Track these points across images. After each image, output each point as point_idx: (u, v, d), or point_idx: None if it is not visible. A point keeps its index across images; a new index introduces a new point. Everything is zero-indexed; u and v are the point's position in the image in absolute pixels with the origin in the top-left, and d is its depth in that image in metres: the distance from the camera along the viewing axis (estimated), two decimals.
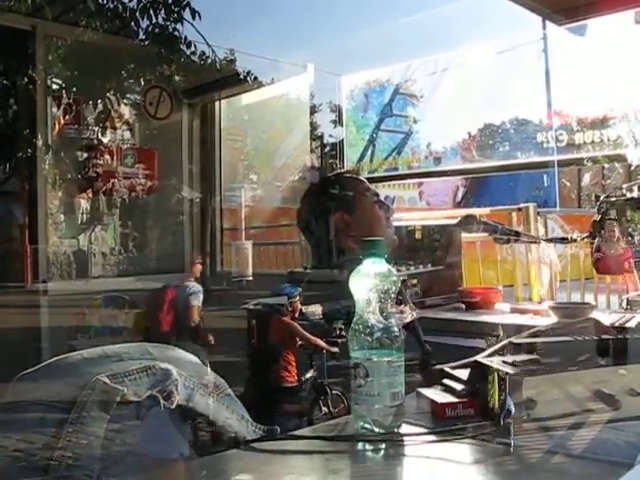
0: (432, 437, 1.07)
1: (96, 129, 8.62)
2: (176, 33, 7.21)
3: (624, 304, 2.27)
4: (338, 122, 11.14)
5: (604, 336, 1.34)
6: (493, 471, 0.99)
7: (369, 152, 10.24)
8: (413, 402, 1.21)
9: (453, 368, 1.29)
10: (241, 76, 8.35)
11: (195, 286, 4.87)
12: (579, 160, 8.72)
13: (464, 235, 3.40)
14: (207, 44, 8.02)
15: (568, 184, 15.12)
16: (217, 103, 8.67)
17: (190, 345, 4.56)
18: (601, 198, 2.78)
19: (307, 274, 2.68)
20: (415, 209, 13.62)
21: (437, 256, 3.56)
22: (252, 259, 8.55)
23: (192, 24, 7.16)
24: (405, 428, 1.09)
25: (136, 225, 9.17)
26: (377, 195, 2.04)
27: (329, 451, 1.03)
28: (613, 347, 1.29)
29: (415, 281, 3.36)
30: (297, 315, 4.30)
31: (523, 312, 3.14)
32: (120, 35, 7.64)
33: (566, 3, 3.55)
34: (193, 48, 7.72)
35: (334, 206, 1.95)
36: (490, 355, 1.26)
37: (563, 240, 3.22)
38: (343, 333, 1.14)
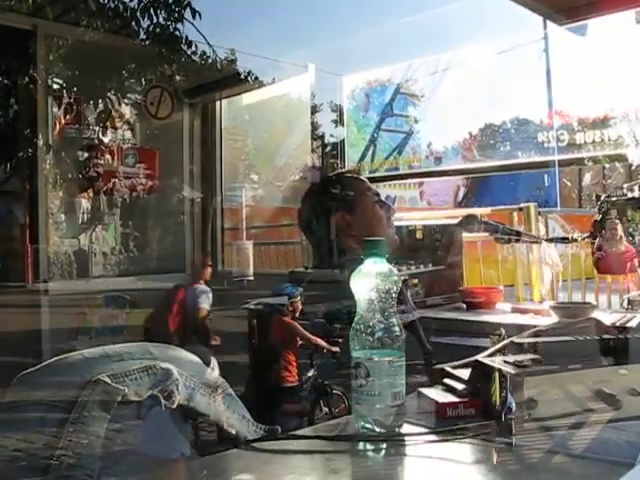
0: (433, 437, 1.07)
1: (97, 129, 8.62)
2: (177, 33, 7.22)
3: (625, 304, 2.27)
4: (339, 122, 11.14)
5: (605, 336, 1.34)
6: (494, 471, 0.99)
7: (370, 152, 10.25)
8: (414, 402, 1.21)
9: (454, 368, 1.29)
10: (242, 76, 8.35)
11: (205, 288, 4.88)
12: (580, 160, 8.71)
13: (465, 235, 3.40)
14: (208, 44, 8.02)
15: (569, 184, 15.11)
16: (218, 103, 8.67)
17: (197, 346, 4.58)
18: (602, 198, 2.79)
19: (308, 274, 2.68)
20: (416, 209, 13.62)
21: (438, 256, 3.56)
22: (253, 259, 8.54)
23: (193, 24, 7.17)
24: (406, 428, 1.09)
25: (137, 225, 9.17)
26: (378, 195, 2.04)
27: (330, 451, 1.03)
28: (614, 347, 1.28)
29: (416, 281, 3.36)
30: (298, 315, 4.30)
31: (524, 312, 3.14)
32: (121, 35, 7.64)
33: (567, 3, 3.55)
34: (194, 48, 7.73)
35: (335, 206, 1.95)
36: (491, 355, 1.26)
37: (564, 240, 3.22)
38: (344, 333, 1.14)
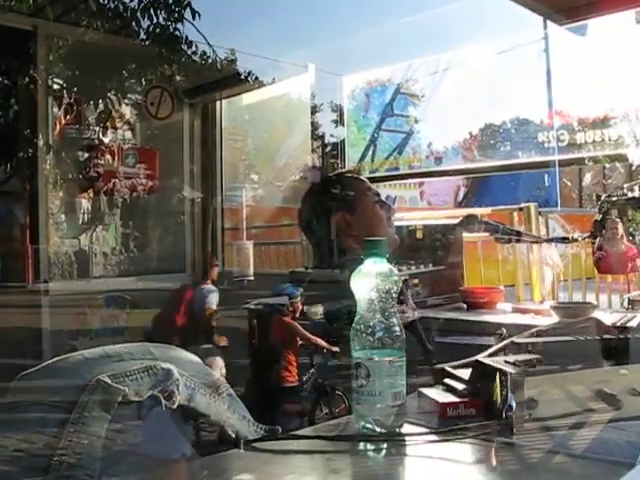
0: (434, 437, 1.07)
1: (97, 129, 8.61)
2: (177, 33, 7.22)
3: (625, 304, 2.27)
4: (339, 122, 11.14)
5: (606, 336, 1.34)
6: (494, 471, 0.99)
7: (370, 152, 10.24)
8: (414, 402, 1.21)
9: (454, 368, 1.29)
10: (242, 76, 8.35)
11: (212, 288, 4.90)
12: (580, 160, 8.71)
13: (465, 235, 3.40)
14: (208, 44, 8.02)
15: (569, 184, 15.11)
16: (218, 103, 8.65)
17: (205, 346, 4.60)
18: (602, 198, 2.79)
19: (308, 274, 2.68)
20: (416, 209, 13.61)
21: (438, 256, 3.57)
22: (253, 259, 8.54)
23: (193, 24, 7.17)
24: (407, 428, 1.09)
25: (137, 225, 9.16)
26: (378, 195, 2.04)
27: (330, 451, 1.03)
28: (615, 347, 1.28)
29: (416, 281, 3.36)
30: (298, 315, 4.30)
31: (524, 312, 3.15)
32: (121, 35, 7.64)
33: (567, 3, 3.55)
34: (194, 48, 7.73)
35: (335, 206, 1.95)
36: (492, 355, 1.26)
37: (564, 240, 3.22)
38: (344, 333, 1.14)
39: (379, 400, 1.06)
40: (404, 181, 13.42)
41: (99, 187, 8.53)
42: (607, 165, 10.66)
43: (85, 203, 8.90)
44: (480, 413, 1.13)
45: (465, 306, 3.40)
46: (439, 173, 10.10)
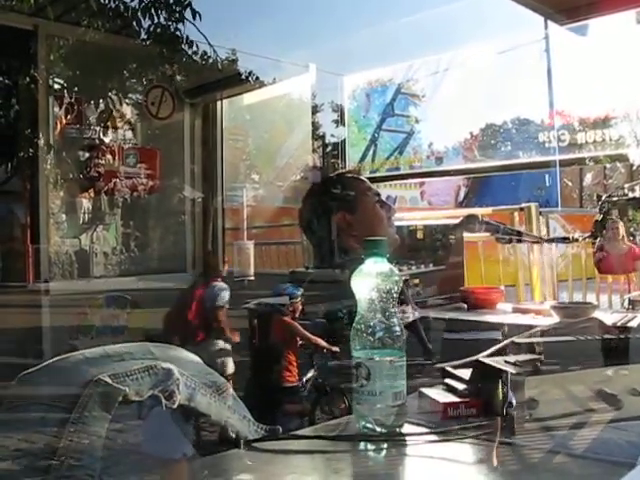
0: (434, 437, 1.07)
1: (98, 129, 8.62)
2: (178, 33, 7.22)
3: (626, 304, 2.27)
4: (340, 122, 11.13)
5: (606, 336, 1.34)
6: (495, 471, 0.99)
7: (371, 152, 10.23)
8: (415, 402, 1.21)
9: (455, 367, 1.29)
10: (243, 76, 8.35)
11: (223, 286, 4.93)
12: (581, 160, 8.70)
13: (466, 235, 3.40)
14: (209, 44, 8.02)
15: (570, 184, 15.11)
16: (219, 103, 8.66)
17: (217, 343, 4.62)
18: (603, 198, 2.79)
19: (309, 274, 2.68)
20: (417, 209, 13.61)
21: (439, 256, 3.56)
22: (254, 259, 8.55)
23: (194, 24, 7.17)
24: (407, 428, 1.09)
25: (138, 225, 9.17)
26: (378, 195, 2.04)
27: (331, 451, 1.03)
28: (615, 347, 1.28)
29: (417, 281, 3.36)
30: (298, 315, 4.31)
31: (525, 312, 3.14)
32: (122, 35, 7.64)
33: (568, 3, 3.55)
34: (195, 48, 7.73)
35: (336, 206, 1.95)
36: (492, 354, 1.26)
37: (565, 240, 3.22)
38: (345, 333, 1.14)
39: (379, 400, 1.06)
40: (405, 181, 13.42)
41: (100, 187, 8.53)
42: (608, 165, 10.67)
43: (86, 203, 8.90)
44: (481, 413, 1.13)
45: (465, 306, 3.39)
46: (440, 173, 10.09)
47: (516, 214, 4.39)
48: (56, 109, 8.23)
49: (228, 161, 9.00)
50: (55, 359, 1.05)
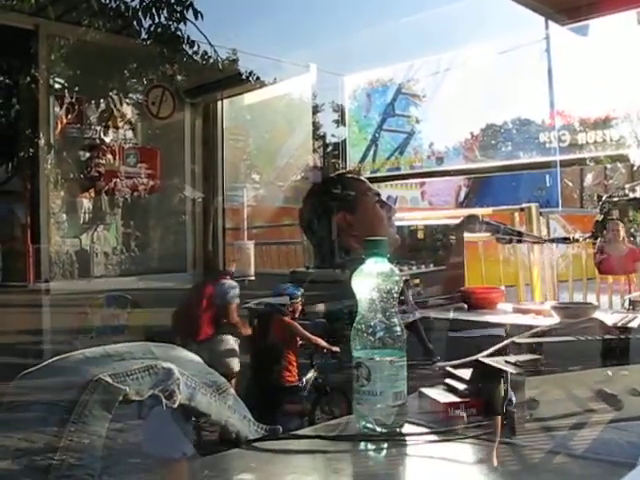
0: (434, 437, 1.07)
1: (98, 128, 8.62)
2: (178, 33, 7.21)
3: (626, 304, 2.27)
4: (340, 122, 11.11)
5: (607, 336, 1.34)
6: (495, 471, 0.99)
7: (371, 152, 10.22)
8: (415, 402, 1.21)
9: (455, 367, 1.29)
10: (243, 76, 8.34)
11: (233, 283, 4.96)
12: (581, 160, 8.69)
13: (467, 235, 3.40)
14: (209, 44, 8.01)
15: (570, 184, 15.10)
16: (219, 103, 8.66)
17: (226, 339, 4.65)
18: (603, 198, 2.79)
19: (309, 274, 2.68)
20: (417, 209, 13.61)
21: (439, 256, 3.56)
22: (254, 259, 8.54)
23: (194, 24, 7.16)
24: (407, 428, 1.09)
25: (138, 225, 9.17)
26: (379, 195, 2.05)
27: (331, 451, 1.03)
28: (616, 347, 1.28)
29: (417, 281, 3.36)
30: (297, 315, 4.31)
31: (526, 312, 3.14)
32: (123, 35, 7.64)
33: (569, 3, 3.55)
34: (195, 48, 7.72)
35: (336, 206, 1.95)
36: (492, 354, 1.26)
37: (565, 240, 3.22)
38: (345, 333, 1.14)
39: (380, 400, 1.06)
40: (405, 181, 13.41)
41: (100, 187, 8.54)
42: (608, 166, 10.66)
43: (86, 203, 8.90)
44: (481, 413, 1.13)
45: (466, 306, 3.39)
46: (440, 173, 10.09)
47: (517, 214, 4.40)
48: (57, 109, 8.23)
49: (228, 161, 9.00)
50: (55, 359, 1.05)
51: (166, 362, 1.06)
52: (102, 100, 8.71)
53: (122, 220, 9.11)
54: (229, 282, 4.99)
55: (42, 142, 7.94)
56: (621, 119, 7.84)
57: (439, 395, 1.21)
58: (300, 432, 1.15)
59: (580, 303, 3.44)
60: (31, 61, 7.93)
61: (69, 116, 8.26)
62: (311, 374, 4.28)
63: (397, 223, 2.17)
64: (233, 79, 8.46)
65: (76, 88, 8.38)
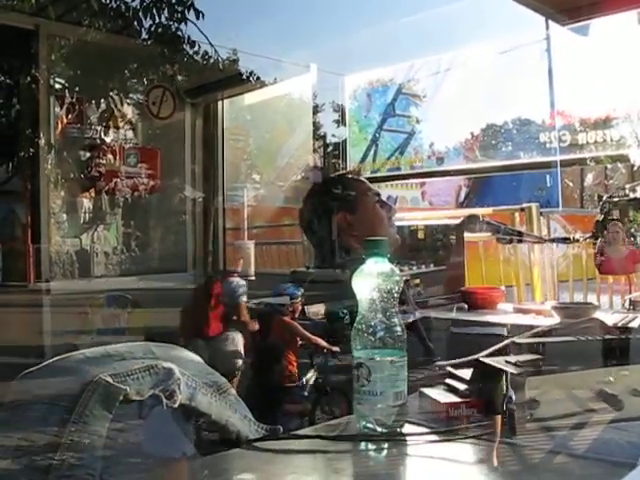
0: (435, 437, 1.07)
1: (99, 128, 8.62)
2: (179, 33, 7.21)
3: (627, 304, 2.27)
4: (341, 122, 11.11)
5: (607, 336, 1.34)
6: (496, 471, 0.99)
7: (372, 152, 10.22)
8: (416, 402, 1.21)
9: (455, 367, 1.29)
10: (244, 76, 8.34)
11: (241, 281, 4.99)
12: (582, 160, 8.69)
13: (467, 235, 3.40)
14: (210, 44, 8.02)
15: (571, 184, 15.09)
16: (220, 103, 8.66)
17: (234, 336, 4.66)
18: (604, 198, 2.78)
19: (310, 274, 2.69)
20: (418, 209, 13.61)
21: (440, 256, 3.56)
22: (255, 259, 8.55)
23: (195, 24, 7.16)
24: (408, 428, 1.09)
25: (139, 224, 9.18)
26: (379, 195, 2.05)
27: (331, 450, 1.03)
28: (616, 347, 1.28)
29: (418, 281, 3.36)
30: (297, 315, 4.31)
31: (526, 312, 3.14)
32: (123, 35, 7.64)
33: (569, 3, 3.55)
34: (196, 48, 7.72)
35: (336, 206, 1.96)
36: (492, 354, 1.26)
37: (566, 240, 3.22)
38: (345, 333, 1.14)
39: (380, 400, 1.06)
40: (406, 181, 13.41)
41: (101, 187, 8.54)
42: (609, 166, 10.65)
43: (87, 202, 8.91)
44: (481, 413, 1.13)
45: (466, 306, 3.38)
46: (441, 173, 10.09)
47: (517, 214, 4.39)
48: (57, 109, 8.24)
49: (229, 161, 9.00)
50: (56, 358, 1.05)
51: (167, 362, 1.06)
52: (102, 100, 8.72)
53: (122, 220, 9.11)
54: (237, 280, 5.02)
55: (42, 142, 7.95)
56: (622, 119, 7.84)
57: (439, 395, 1.21)
58: (300, 432, 1.15)
59: (580, 303, 3.44)
60: (31, 61, 7.93)
61: (69, 116, 8.27)
62: (311, 374, 4.28)
63: (397, 223, 2.17)
64: (233, 79, 8.46)
65: (76, 88, 8.39)
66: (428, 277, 3.44)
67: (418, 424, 1.12)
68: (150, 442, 1.26)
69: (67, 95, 8.28)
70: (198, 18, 7.03)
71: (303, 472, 0.99)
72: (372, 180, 2.16)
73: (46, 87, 8.05)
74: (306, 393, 4.21)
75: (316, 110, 13.11)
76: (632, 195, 2.69)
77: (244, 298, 4.84)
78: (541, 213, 4.40)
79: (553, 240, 3.75)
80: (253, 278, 7.99)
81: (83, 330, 5.30)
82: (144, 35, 7.18)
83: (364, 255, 1.13)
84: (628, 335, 1.38)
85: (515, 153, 9.33)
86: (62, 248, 8.34)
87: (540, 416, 1.08)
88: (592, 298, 4.29)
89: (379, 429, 1.06)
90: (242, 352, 4.70)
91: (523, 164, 9.21)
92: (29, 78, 7.95)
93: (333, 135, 13.64)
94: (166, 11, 6.92)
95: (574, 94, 8.04)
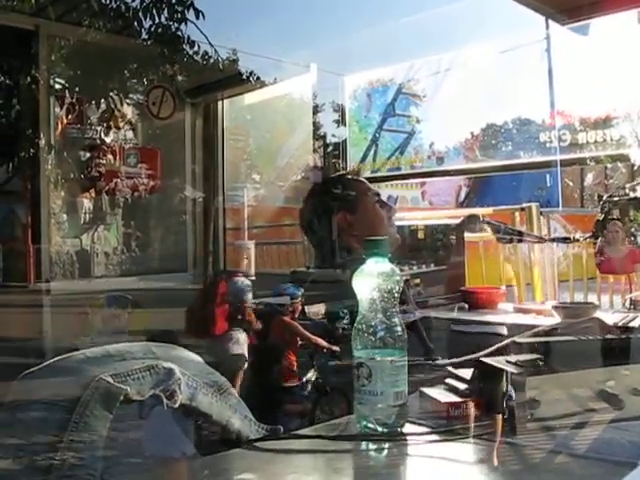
0: (435, 436, 1.07)
1: (99, 129, 8.63)
2: (179, 33, 7.21)
3: (627, 304, 2.27)
4: (341, 122, 11.11)
5: (608, 336, 1.34)
6: (496, 471, 0.99)
7: (372, 152, 10.22)
8: (416, 402, 1.21)
9: (456, 366, 1.29)
10: (244, 76, 8.35)
11: (246, 281, 5.00)
12: (582, 160, 8.69)
13: (467, 235, 3.40)
14: (210, 44, 8.02)
15: (571, 184, 15.09)
16: (220, 103, 8.67)
17: (242, 334, 4.67)
18: (604, 198, 2.78)
19: (310, 274, 2.69)
20: (418, 209, 13.61)
21: (440, 256, 3.56)
22: (255, 259, 8.55)
23: (195, 24, 7.16)
24: (408, 427, 1.09)
25: (139, 225, 9.18)
26: (379, 195, 2.05)
27: (332, 450, 1.03)
28: (617, 347, 1.28)
29: (418, 281, 3.36)
30: (297, 315, 4.31)
31: (526, 312, 3.14)
32: (123, 35, 7.65)
33: (569, 3, 3.55)
34: (196, 48, 7.72)
35: (336, 206, 1.96)
36: (493, 354, 1.26)
37: (566, 240, 3.22)
38: (345, 332, 1.14)
39: (381, 400, 1.06)
40: (406, 181, 13.42)
41: (101, 187, 8.55)
42: (609, 165, 10.66)
43: (87, 203, 8.92)
44: (482, 413, 1.13)
45: (466, 306, 3.38)
46: (441, 173, 10.10)
47: (517, 214, 4.39)
48: (57, 109, 8.24)
49: (229, 161, 9.01)
50: (56, 359, 1.05)
51: (167, 362, 1.06)
52: (102, 100, 8.72)
53: (122, 220, 9.12)
54: (242, 279, 5.03)
55: (43, 142, 7.95)
56: (621, 118, 7.84)
57: (440, 395, 1.21)
58: (301, 432, 1.15)
59: (581, 303, 3.44)
60: (32, 61, 7.94)
61: (69, 116, 8.27)
62: (311, 374, 4.28)
63: (397, 223, 2.17)
64: (233, 79, 8.47)
65: (76, 88, 8.39)
66: (428, 277, 3.44)
67: (418, 424, 1.12)
68: (151, 442, 1.26)
69: (67, 95, 8.29)
70: (198, 18, 7.03)
71: (304, 472, 0.99)
72: (372, 180, 2.16)
73: (46, 87, 8.05)
74: (306, 393, 4.21)
75: (316, 110, 13.11)
76: (632, 194, 2.69)
77: (249, 298, 4.85)
78: (541, 213, 4.40)
79: (553, 240, 3.75)
80: (253, 278, 7.99)
81: (83, 330, 5.30)
82: (144, 35, 7.19)
83: (364, 255, 1.13)
84: (629, 335, 1.38)
85: (515, 153, 9.33)
86: (62, 248, 8.34)
87: (541, 416, 1.08)
88: (592, 298, 4.29)
89: (379, 429, 1.06)
90: (247, 352, 4.72)
91: (523, 164, 9.21)
92: (29, 78, 7.95)
93: (333, 135, 13.65)
94: (166, 11, 6.92)
95: (574, 94, 8.04)
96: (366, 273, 1.11)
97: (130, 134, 9.00)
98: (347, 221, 1.94)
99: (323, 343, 4.05)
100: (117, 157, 8.58)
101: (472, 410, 1.14)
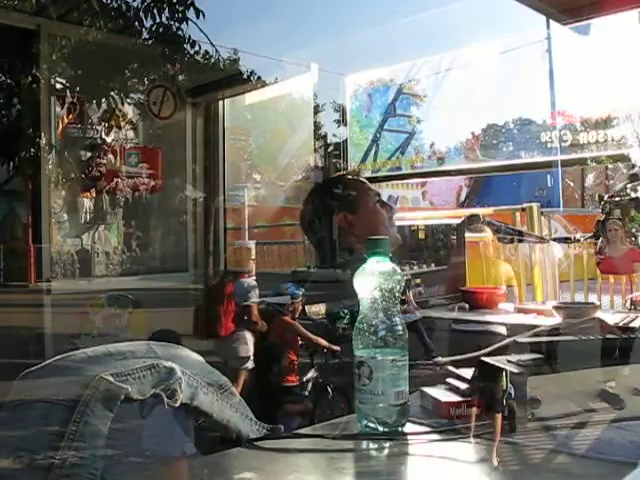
0: (436, 436, 1.07)
1: (100, 128, 8.64)
2: (180, 32, 7.21)
3: (628, 304, 2.27)
4: (342, 122, 11.12)
5: (608, 336, 1.34)
6: (497, 470, 0.99)
7: (373, 152, 10.23)
8: (417, 401, 1.21)
9: (456, 365, 1.29)
10: (245, 76, 8.35)
11: (253, 282, 5.01)
12: (583, 160, 8.69)
13: (468, 235, 3.40)
14: (211, 44, 8.03)
15: (572, 184, 15.10)
16: (221, 102, 8.66)
17: (248, 334, 4.71)
18: (605, 198, 2.78)
19: (311, 273, 2.69)
20: (418, 209, 13.62)
21: (441, 256, 3.56)
22: (255, 258, 8.55)
23: (196, 23, 7.16)
24: (409, 427, 1.09)
25: (139, 224, 9.19)
26: (379, 195, 2.05)
27: (333, 450, 1.03)
28: (617, 347, 1.28)
29: (418, 280, 3.36)
30: (298, 315, 4.32)
31: (527, 312, 3.13)
32: (124, 34, 7.64)
33: (570, 3, 3.55)
34: (197, 47, 7.72)
35: (337, 206, 1.96)
36: (493, 353, 1.26)
37: (566, 240, 3.22)
38: (346, 332, 1.14)
39: (382, 399, 1.06)
40: (406, 181, 13.44)
41: (101, 186, 8.56)
42: (610, 165, 10.66)
43: (87, 202, 8.93)
44: (482, 412, 1.13)
45: (467, 306, 3.38)
46: (441, 173, 10.11)
47: (518, 214, 4.39)
48: (58, 109, 8.25)
49: (230, 161, 9.01)
50: (57, 358, 1.05)
51: (168, 361, 1.06)
52: (103, 100, 8.72)
53: (123, 220, 9.13)
54: (249, 280, 5.05)
55: (43, 142, 7.95)
56: (622, 119, 7.84)
57: (440, 394, 1.21)
58: (301, 431, 1.15)
59: (582, 303, 3.43)
60: (33, 61, 7.94)
61: (70, 116, 8.28)
62: (312, 374, 4.28)
63: (398, 223, 2.17)
64: (234, 79, 8.46)
65: (77, 88, 8.40)
66: (429, 277, 3.44)
67: (419, 423, 1.12)
68: (151, 441, 1.25)
69: (68, 95, 8.29)
70: (199, 17, 7.03)
71: (304, 471, 0.99)
72: (373, 180, 2.16)
73: (47, 87, 8.05)
74: (307, 392, 4.21)
75: (317, 110, 13.11)
76: (633, 195, 2.69)
77: (255, 298, 4.86)
78: (542, 213, 4.40)
79: (554, 240, 3.75)
80: (254, 278, 8.00)
81: (84, 330, 5.31)
82: (145, 35, 7.19)
83: (365, 254, 1.13)
84: (629, 335, 1.38)
85: (516, 153, 9.34)
86: (63, 248, 8.35)
87: (541, 415, 1.08)
88: (593, 298, 4.29)
89: (380, 428, 1.06)
90: (252, 352, 4.73)
91: (524, 164, 9.22)
92: (30, 78, 7.95)
93: (334, 135, 13.65)
94: (167, 11, 6.91)
95: (575, 94, 8.04)
96: (367, 272, 1.11)
97: (131, 134, 9.01)
98: (348, 221, 1.94)
99: (324, 343, 4.05)
100: (118, 157, 8.59)
101: (473, 410, 1.14)
